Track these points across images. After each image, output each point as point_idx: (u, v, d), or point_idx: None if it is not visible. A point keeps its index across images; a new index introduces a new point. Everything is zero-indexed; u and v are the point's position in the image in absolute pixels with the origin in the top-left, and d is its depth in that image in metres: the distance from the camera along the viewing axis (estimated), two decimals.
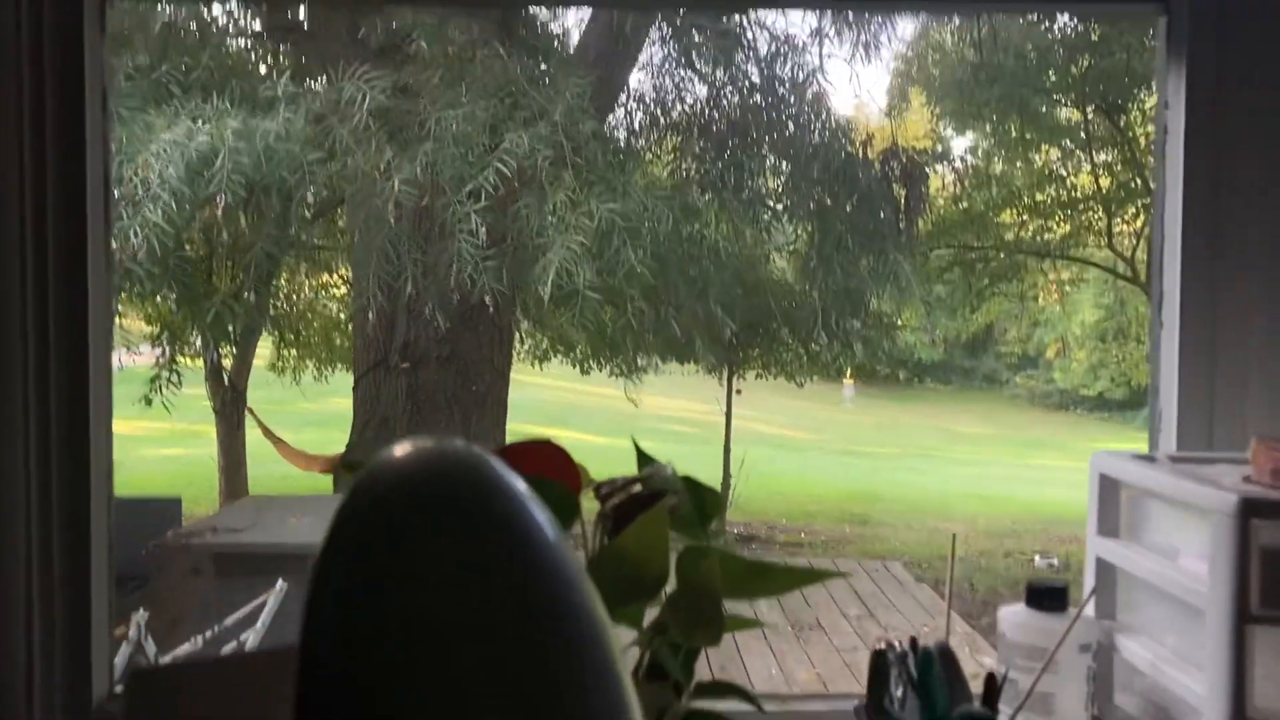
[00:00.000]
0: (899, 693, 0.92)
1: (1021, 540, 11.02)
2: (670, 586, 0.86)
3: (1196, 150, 1.27)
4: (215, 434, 9.68)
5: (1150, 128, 11.48)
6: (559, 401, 27.69)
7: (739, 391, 9.27)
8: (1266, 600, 0.86)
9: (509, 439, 8.63)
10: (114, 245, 4.95)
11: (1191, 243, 1.28)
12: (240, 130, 4.91)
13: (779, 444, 23.19)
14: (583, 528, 0.90)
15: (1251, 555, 0.86)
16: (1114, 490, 1.18)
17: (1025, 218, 12.33)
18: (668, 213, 5.48)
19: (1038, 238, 12.43)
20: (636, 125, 7.57)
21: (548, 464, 0.80)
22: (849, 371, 13.01)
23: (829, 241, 6.80)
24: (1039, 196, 12.21)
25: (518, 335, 9.46)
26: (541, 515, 0.57)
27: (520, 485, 0.57)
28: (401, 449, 0.54)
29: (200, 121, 4.97)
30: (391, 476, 0.51)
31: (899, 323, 9.05)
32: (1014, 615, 1.13)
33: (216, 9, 7.89)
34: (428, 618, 0.46)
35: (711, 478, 10.27)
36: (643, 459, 0.96)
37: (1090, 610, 1.18)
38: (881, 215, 7.18)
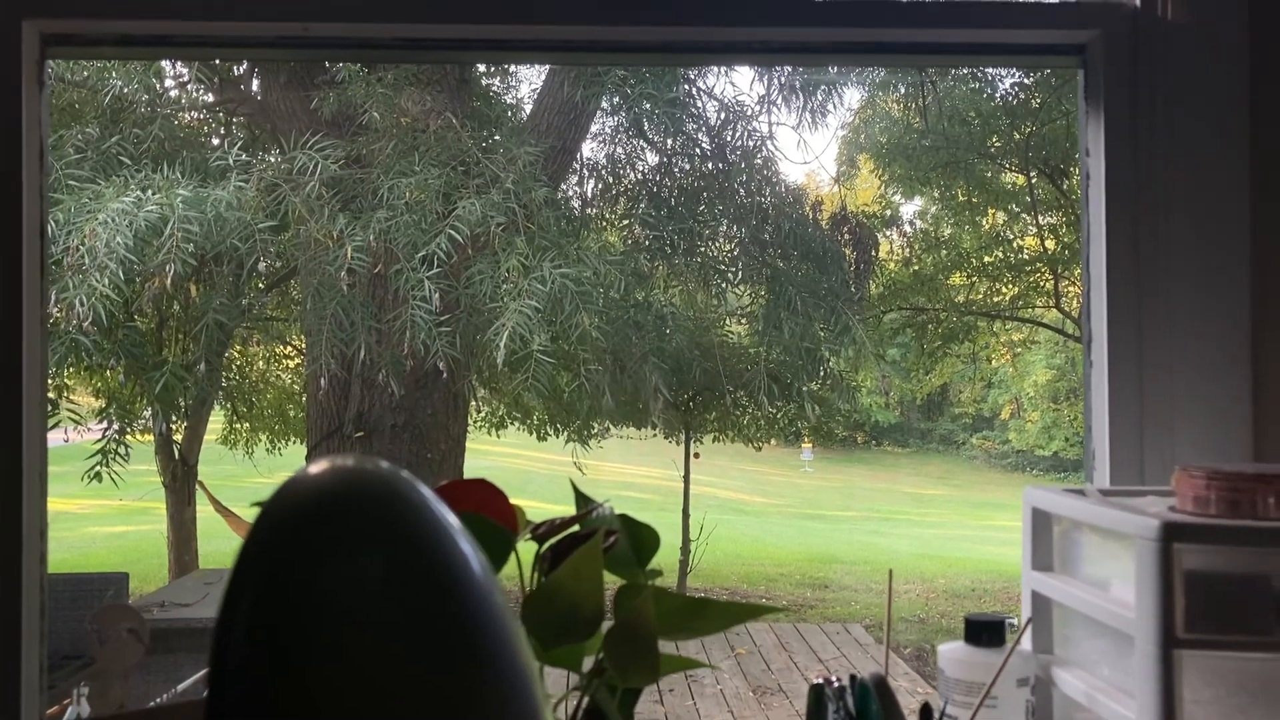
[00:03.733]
0: None
1: (981, 601, 11.04)
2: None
3: (1118, 196, 1.32)
4: (165, 509, 9.49)
5: None
6: (516, 469, 27.54)
7: (696, 455, 9.28)
8: (1191, 624, 0.87)
9: None
10: (55, 309, 4.90)
11: (1116, 286, 1.32)
12: (190, 199, 4.91)
13: (738, 509, 23.15)
14: (520, 569, 0.90)
15: (1175, 580, 0.88)
16: (1046, 524, 1.20)
17: (974, 280, 12.56)
18: (620, 277, 5.52)
19: (987, 299, 12.65)
20: (589, 192, 7.67)
21: (483, 504, 0.80)
22: (807, 435, 13.07)
23: (781, 304, 6.87)
24: (987, 259, 12.46)
25: (474, 403, 9.42)
26: (466, 544, 0.57)
27: (443, 510, 0.57)
28: (318, 466, 0.54)
29: (150, 191, 4.96)
30: (306, 490, 0.51)
31: (855, 383, 9.12)
32: (953, 651, 1.13)
33: (169, 82, 7.93)
34: (336, 632, 0.46)
35: (674, 545, 10.24)
36: (580, 500, 0.96)
37: (1027, 644, 1.19)
38: (834, 277, 7.28)
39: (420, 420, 7.54)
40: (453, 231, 5.33)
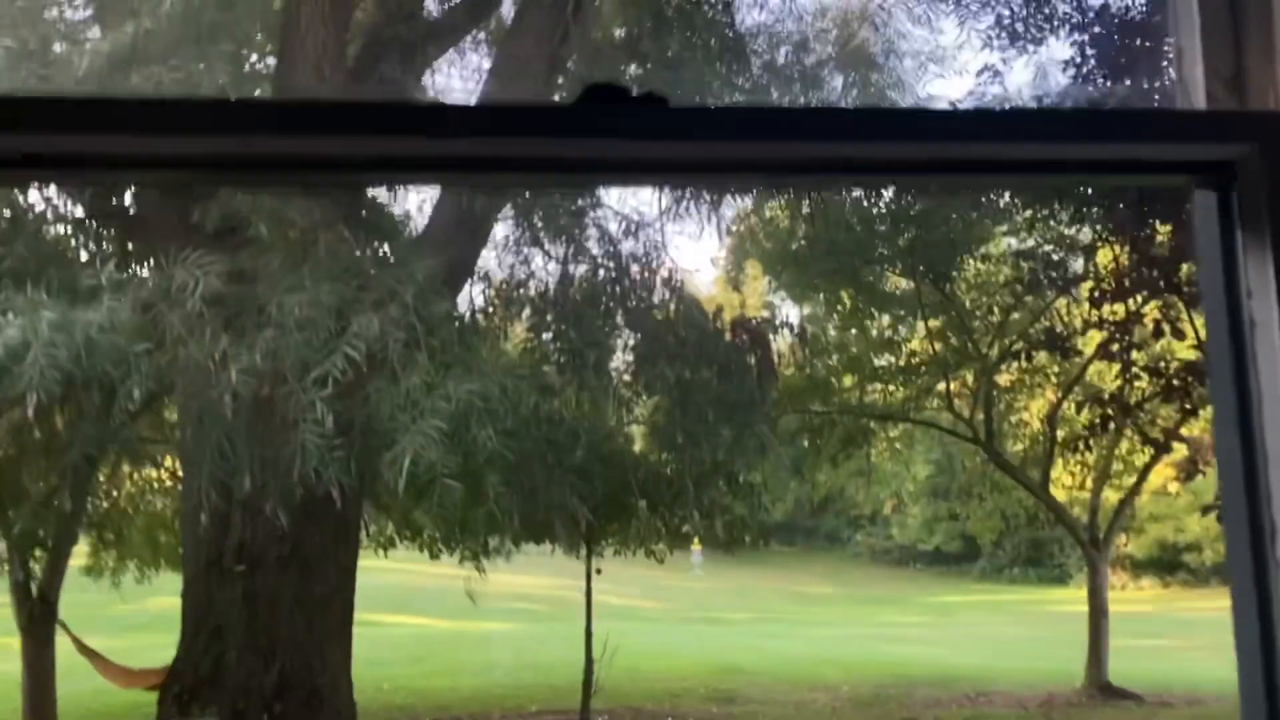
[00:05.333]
0: None
1: (886, 708, 10.86)
2: None
3: None
4: (20, 652, 8.65)
5: (975, 294, 12.08)
6: (404, 585, 26.54)
7: (599, 571, 8.94)
8: None
9: (355, 630, 8.01)
10: None
11: None
12: (57, 322, 4.49)
13: (632, 616, 22.63)
14: None
15: None
16: None
17: (865, 383, 12.68)
18: (527, 392, 5.26)
19: (878, 401, 12.76)
20: (488, 304, 7.44)
21: None
22: (696, 538, 12.88)
23: (690, 414, 6.70)
24: (878, 362, 12.60)
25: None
26: None
27: None
28: None
29: (10, 314, 4.52)
30: None
31: (764, 491, 8.98)
32: None
33: (34, 195, 7.46)
34: None
35: (572, 660, 9.81)
36: None
37: None
38: (740, 386, 7.16)
39: (308, 550, 7.05)
40: (349, 349, 5.01)
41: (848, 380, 12.89)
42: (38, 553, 8.38)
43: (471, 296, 7.39)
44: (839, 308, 12.79)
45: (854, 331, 13.01)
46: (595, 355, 6.89)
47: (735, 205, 10.53)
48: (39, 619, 8.41)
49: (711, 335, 7.70)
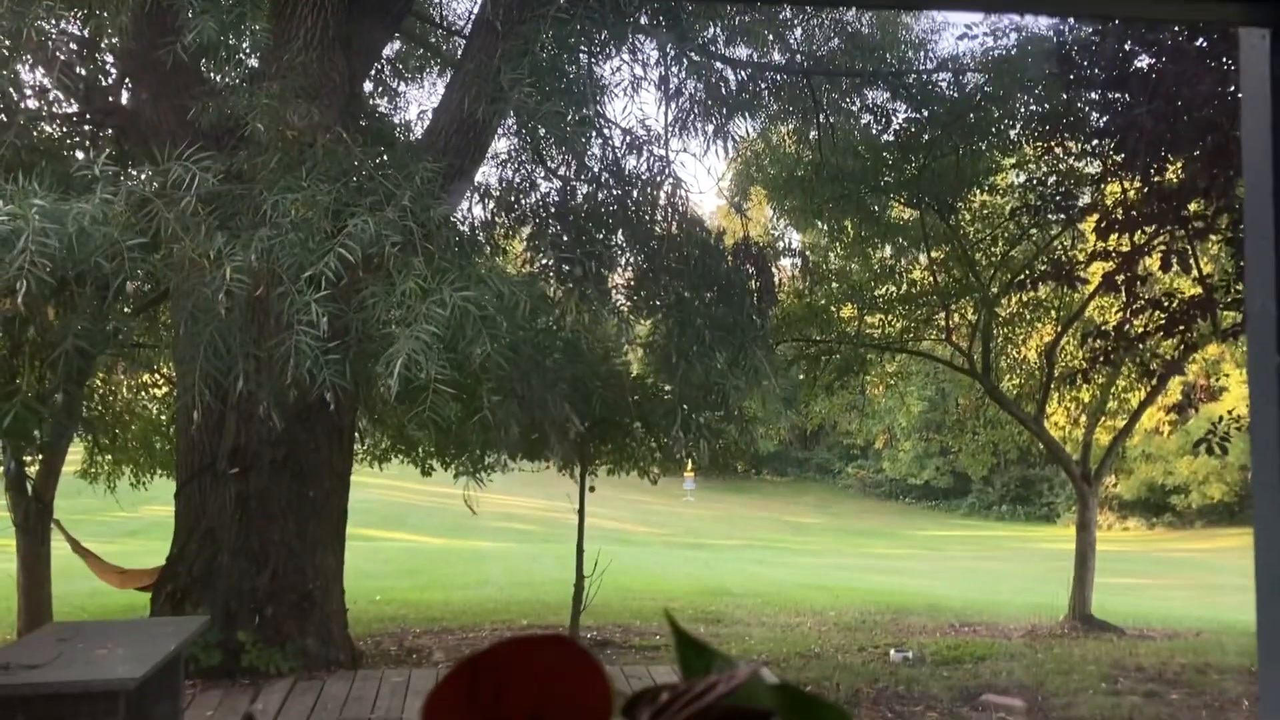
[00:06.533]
0: None
1: (872, 633, 10.98)
2: None
3: None
4: (15, 550, 8.71)
5: (979, 225, 11.97)
6: (397, 501, 26.76)
7: (592, 489, 8.96)
8: None
9: (348, 544, 8.06)
10: None
11: None
12: (49, 210, 4.40)
13: (624, 539, 22.89)
14: None
15: None
16: None
17: (864, 313, 12.61)
18: (525, 301, 5.20)
19: (876, 333, 12.71)
20: (487, 215, 7.34)
21: (558, 676, 0.47)
22: (689, 464, 12.91)
23: (688, 335, 6.64)
24: (878, 292, 12.52)
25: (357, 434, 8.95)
26: None
27: None
28: None
29: (0, 202, 4.44)
30: None
31: (755, 416, 8.97)
32: None
33: (27, 91, 7.33)
34: None
35: (562, 578, 9.89)
36: (693, 653, 0.54)
37: None
38: (739, 309, 7.09)
39: (302, 455, 7.06)
40: (343, 250, 4.93)
41: (847, 311, 12.83)
42: (32, 454, 8.40)
43: (471, 207, 7.30)
44: (842, 236, 12.67)
45: (855, 261, 12.91)
46: (595, 269, 6.82)
47: (742, 126, 10.37)
48: (34, 517, 8.46)
49: (713, 256, 7.62)
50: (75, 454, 10.83)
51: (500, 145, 7.44)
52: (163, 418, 11.04)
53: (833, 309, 12.63)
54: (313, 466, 7.15)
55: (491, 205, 7.39)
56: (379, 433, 10.51)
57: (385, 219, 5.10)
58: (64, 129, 7.69)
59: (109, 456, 11.11)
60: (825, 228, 12.85)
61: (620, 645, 9.42)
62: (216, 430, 7.14)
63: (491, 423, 5.70)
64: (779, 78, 10.49)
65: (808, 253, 13.20)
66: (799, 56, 10.57)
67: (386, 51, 9.34)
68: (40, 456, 8.56)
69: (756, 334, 7.45)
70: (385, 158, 6.32)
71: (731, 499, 40.23)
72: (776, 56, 10.73)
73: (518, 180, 7.29)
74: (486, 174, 7.65)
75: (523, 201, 7.32)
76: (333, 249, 4.97)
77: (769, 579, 16.92)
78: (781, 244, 13.71)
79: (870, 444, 41.94)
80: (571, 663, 0.46)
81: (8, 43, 6.03)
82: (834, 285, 12.82)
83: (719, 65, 8.90)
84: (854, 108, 11.22)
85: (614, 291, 7.28)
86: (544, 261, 6.99)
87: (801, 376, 12.52)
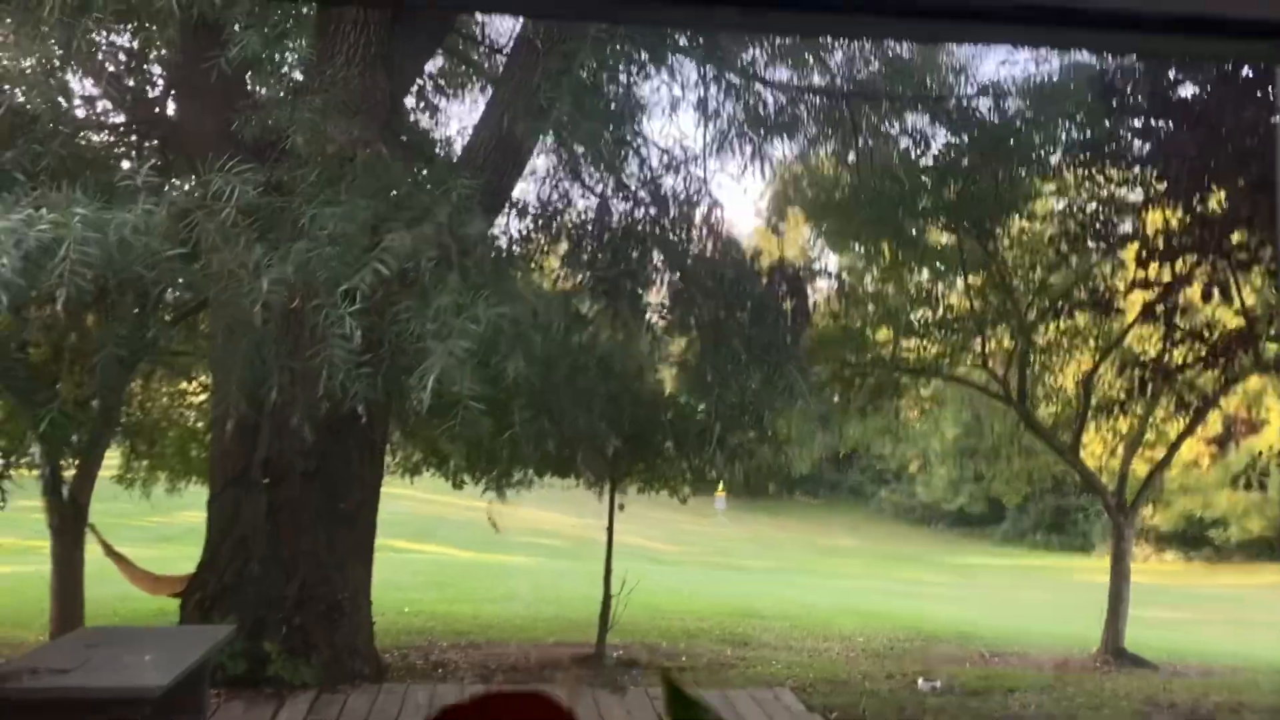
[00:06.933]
0: None
1: (901, 661, 10.85)
2: None
3: None
4: (50, 553, 8.81)
5: (1017, 251, 11.87)
6: (428, 515, 26.85)
7: (622, 507, 8.95)
8: None
9: (378, 555, 8.09)
10: None
11: None
12: (90, 219, 4.47)
13: (653, 558, 22.81)
14: None
15: None
16: None
17: (900, 337, 12.53)
18: (559, 319, 5.21)
19: (912, 356, 12.62)
20: (524, 233, 7.37)
21: None
22: (721, 484, 12.88)
23: (722, 355, 6.63)
24: (914, 315, 12.45)
25: (389, 447, 8.99)
26: None
27: None
28: None
29: (44, 210, 4.51)
30: None
31: (790, 437, 8.93)
32: None
33: (76, 100, 7.45)
34: None
35: (590, 595, 9.86)
36: (682, 706, 0.59)
37: None
38: (774, 330, 7.07)
39: (333, 467, 7.09)
40: (379, 265, 4.96)
41: (883, 333, 12.75)
42: (69, 458, 8.50)
43: (508, 224, 7.34)
44: (879, 259, 12.61)
45: (892, 284, 12.84)
46: (630, 287, 6.82)
47: (780, 148, 10.37)
48: (69, 521, 8.55)
49: (748, 276, 7.62)
50: (113, 459, 10.96)
51: (539, 162, 7.48)
52: (199, 425, 11.15)
53: (868, 332, 12.55)
54: (344, 478, 7.19)
55: (528, 222, 7.42)
56: (411, 445, 10.55)
57: (422, 234, 5.13)
58: (110, 138, 7.81)
59: (145, 462, 11.23)
60: (862, 250, 12.80)
61: (646, 665, 9.37)
62: (250, 440, 7.20)
63: (521, 439, 5.70)
64: (818, 100, 10.48)
65: (844, 275, 13.15)
66: (839, 80, 10.55)
67: (428, 67, 9.43)
68: (77, 461, 8.66)
69: (791, 355, 7.43)
70: (424, 173, 6.37)
71: (763, 520, 40.01)
72: (817, 79, 10.73)
73: (555, 198, 7.32)
74: (524, 191, 7.69)
75: (559, 219, 7.35)
76: (369, 263, 5.00)
77: (799, 602, 16.78)
78: (818, 265, 13.66)
79: (904, 468, 41.61)
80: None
81: (59, 52, 6.14)
82: (870, 308, 12.75)
83: (758, 87, 8.91)
84: (893, 131, 11.19)
85: (648, 310, 7.28)
86: (579, 279, 7.00)
87: (835, 399, 12.45)
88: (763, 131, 8.69)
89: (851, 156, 11.14)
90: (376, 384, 5.18)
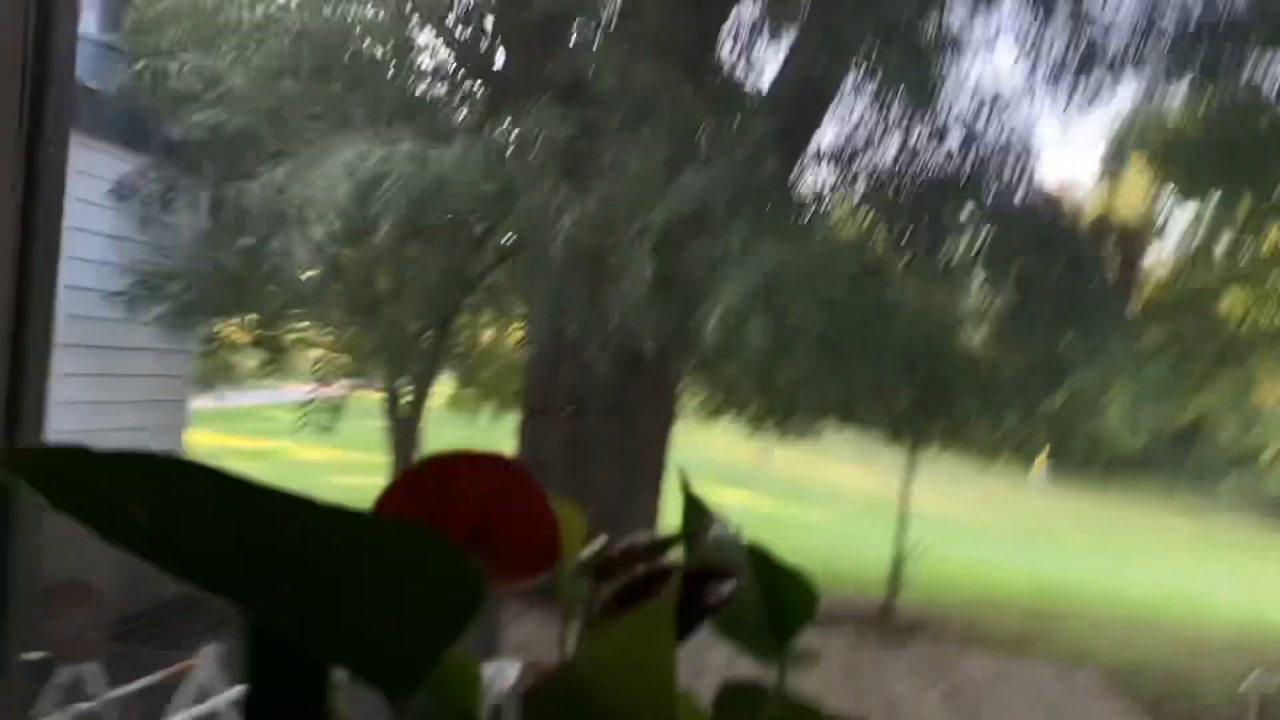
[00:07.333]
0: None
1: (1229, 654, 9.87)
2: None
3: None
4: (390, 465, 9.72)
5: None
6: (722, 460, 27.23)
7: (918, 470, 8.67)
8: None
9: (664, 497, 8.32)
10: (276, 258, 4.89)
11: None
12: (414, 155, 4.83)
13: (956, 524, 21.91)
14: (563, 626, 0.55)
15: None
16: None
17: (1257, 303, 11.23)
18: (853, 265, 5.08)
19: (1269, 325, 11.29)
20: (825, 176, 7.20)
21: (499, 494, 0.46)
22: (1043, 454, 12.16)
23: (1037, 313, 6.20)
24: (1272, 279, 11.12)
25: (686, 390, 9.17)
26: None
27: None
28: None
29: (375, 145, 4.92)
30: None
31: (1102, 405, 8.27)
32: None
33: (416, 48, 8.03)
34: None
35: (880, 557, 9.64)
36: (693, 512, 0.58)
37: None
38: (1092, 288, 6.53)
39: (629, 403, 7.32)
40: (673, 204, 5.04)
41: (1234, 297, 11.48)
42: (407, 386, 9.30)
43: (805, 166, 7.16)
44: (1232, 215, 11.33)
45: (1247, 241, 11.50)
46: (934, 238, 6.53)
47: (1118, 91, 9.47)
48: (406, 444, 9.37)
49: (1072, 229, 7.07)
50: (443, 388, 11.89)
51: (844, 106, 7.25)
52: (519, 358, 11.86)
53: (1215, 295, 11.35)
54: (637, 414, 7.41)
55: (828, 166, 7.24)
56: (710, 389, 10.71)
57: (717, 176, 5.14)
58: (442, 84, 8.39)
59: (473, 390, 12.10)
60: (1213, 202, 11.53)
61: (935, 630, 9.08)
62: (555, 373, 7.57)
63: (803, 383, 5.64)
64: (1168, 35, 9.47)
65: (1190, 230, 11.93)
66: (1194, 11, 9.48)
67: (737, 11, 9.38)
68: (413, 388, 9.47)
69: (1115, 315, 6.85)
70: (725, 116, 6.38)
71: (1086, 496, 37.51)
72: (1168, 13, 9.69)
73: (859, 142, 7.09)
74: (829, 135, 7.50)
75: (861, 163, 7.11)
76: (664, 202, 5.09)
77: (1118, 584, 15.64)
78: (1158, 219, 12.46)
79: (1258, 454, 37.45)
80: (512, 482, 0.45)
81: (410, 5, 6.64)
82: (1217, 268, 11.51)
83: (1093, 18, 8.16)
84: (1259, 71, 9.94)
85: (952, 261, 6.93)
86: (878, 225, 6.78)
87: (1171, 368, 11.37)
88: (1095, 72, 7.98)
89: (1208, 99, 10.01)
90: (668, 320, 5.29)
